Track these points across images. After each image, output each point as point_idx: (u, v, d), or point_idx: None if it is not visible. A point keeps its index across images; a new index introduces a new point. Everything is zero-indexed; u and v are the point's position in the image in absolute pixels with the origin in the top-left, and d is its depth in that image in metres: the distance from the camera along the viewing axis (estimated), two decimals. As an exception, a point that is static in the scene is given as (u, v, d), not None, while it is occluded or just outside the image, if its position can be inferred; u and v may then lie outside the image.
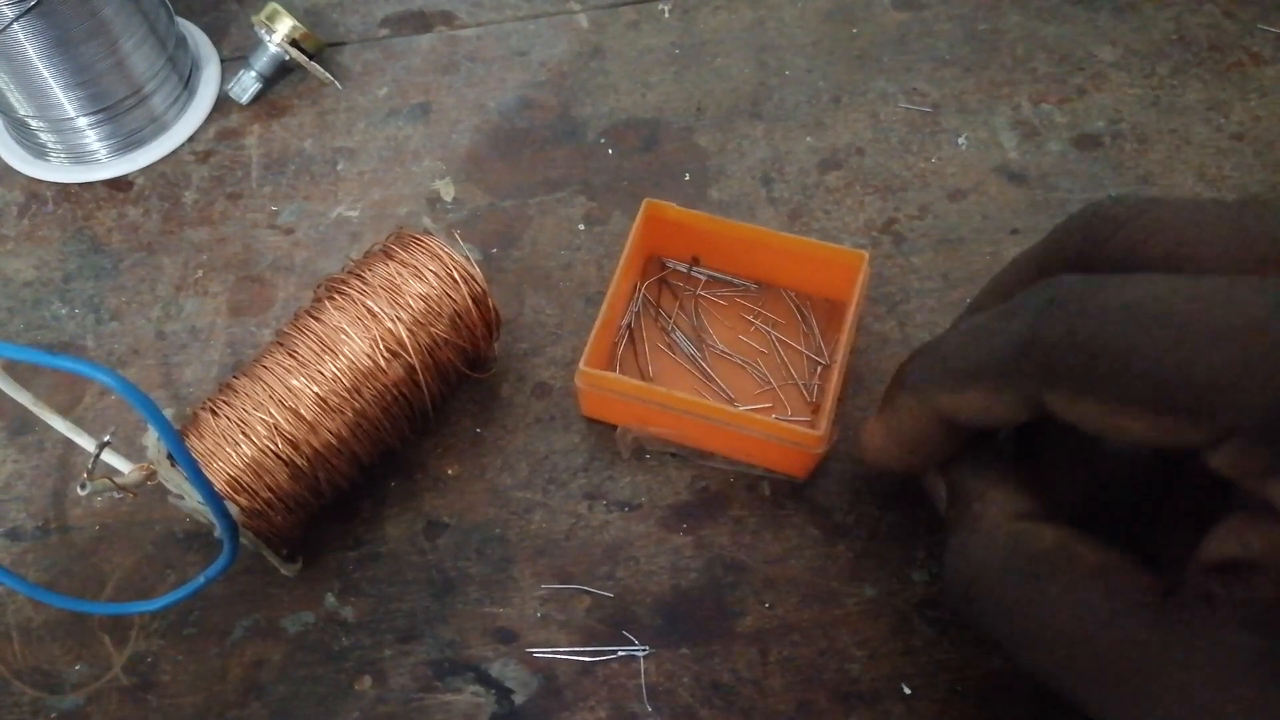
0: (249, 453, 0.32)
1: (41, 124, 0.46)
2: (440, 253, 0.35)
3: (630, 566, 0.36)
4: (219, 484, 0.32)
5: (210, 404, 0.33)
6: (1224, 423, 0.21)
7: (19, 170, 0.47)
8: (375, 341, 0.34)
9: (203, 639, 0.35)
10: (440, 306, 0.35)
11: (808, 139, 0.46)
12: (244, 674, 0.34)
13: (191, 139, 0.48)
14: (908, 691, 0.33)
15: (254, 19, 0.48)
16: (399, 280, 0.34)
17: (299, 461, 0.33)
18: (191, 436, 0.33)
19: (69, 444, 0.39)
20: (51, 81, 0.44)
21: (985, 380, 0.26)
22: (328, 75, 0.49)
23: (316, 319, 0.34)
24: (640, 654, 0.34)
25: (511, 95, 0.48)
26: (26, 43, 0.42)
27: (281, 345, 0.34)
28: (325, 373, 0.33)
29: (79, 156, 0.47)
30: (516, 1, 0.52)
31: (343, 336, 0.34)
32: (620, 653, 0.34)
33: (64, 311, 0.43)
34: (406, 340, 0.34)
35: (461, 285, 0.35)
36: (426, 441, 0.38)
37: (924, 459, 0.30)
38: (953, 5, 0.50)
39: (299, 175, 0.46)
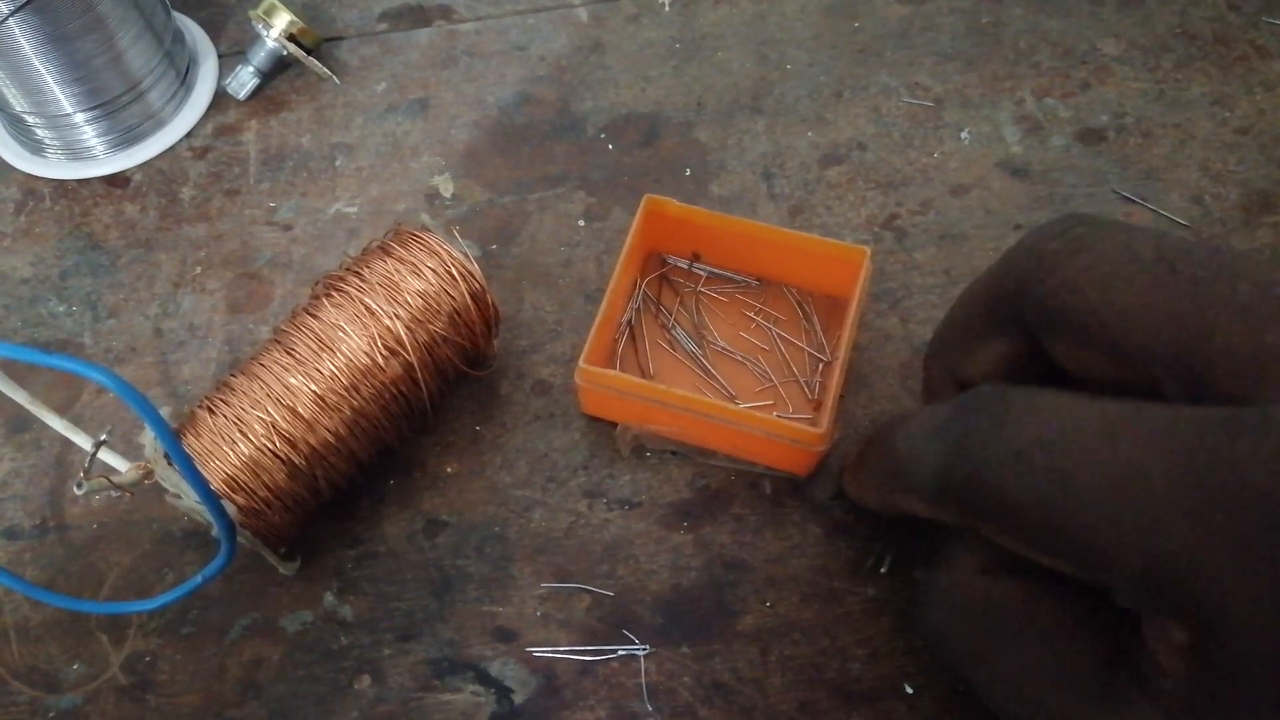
0: (246, 451, 0.32)
1: (38, 120, 0.46)
2: (439, 249, 0.35)
3: (630, 565, 0.35)
4: (216, 483, 0.32)
5: (208, 402, 0.33)
6: (1104, 580, 0.22)
7: (16, 167, 0.47)
8: (373, 339, 0.33)
9: (201, 638, 0.35)
10: (439, 304, 0.34)
11: (809, 134, 0.45)
12: (242, 673, 0.34)
13: (189, 135, 0.47)
14: (910, 690, 0.33)
15: (251, 14, 0.48)
16: (397, 277, 0.34)
17: (296, 460, 0.32)
18: (189, 435, 0.33)
19: (67, 442, 0.39)
20: (48, 77, 0.44)
21: (919, 502, 0.27)
22: (326, 70, 0.48)
23: (314, 316, 0.34)
24: (640, 653, 0.34)
25: (510, 90, 0.48)
26: (22, 38, 0.42)
27: (279, 343, 0.34)
28: (323, 370, 0.33)
29: (76, 153, 0.47)
30: (516, -4, 0.51)
31: (341, 334, 0.33)
32: (620, 652, 0.34)
33: (61, 309, 0.43)
34: (405, 338, 0.34)
35: (460, 282, 0.35)
36: (425, 439, 0.38)
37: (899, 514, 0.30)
38: None
39: (297, 171, 0.46)
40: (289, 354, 0.33)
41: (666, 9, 0.50)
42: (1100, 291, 0.25)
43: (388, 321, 0.33)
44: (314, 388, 0.33)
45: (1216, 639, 0.20)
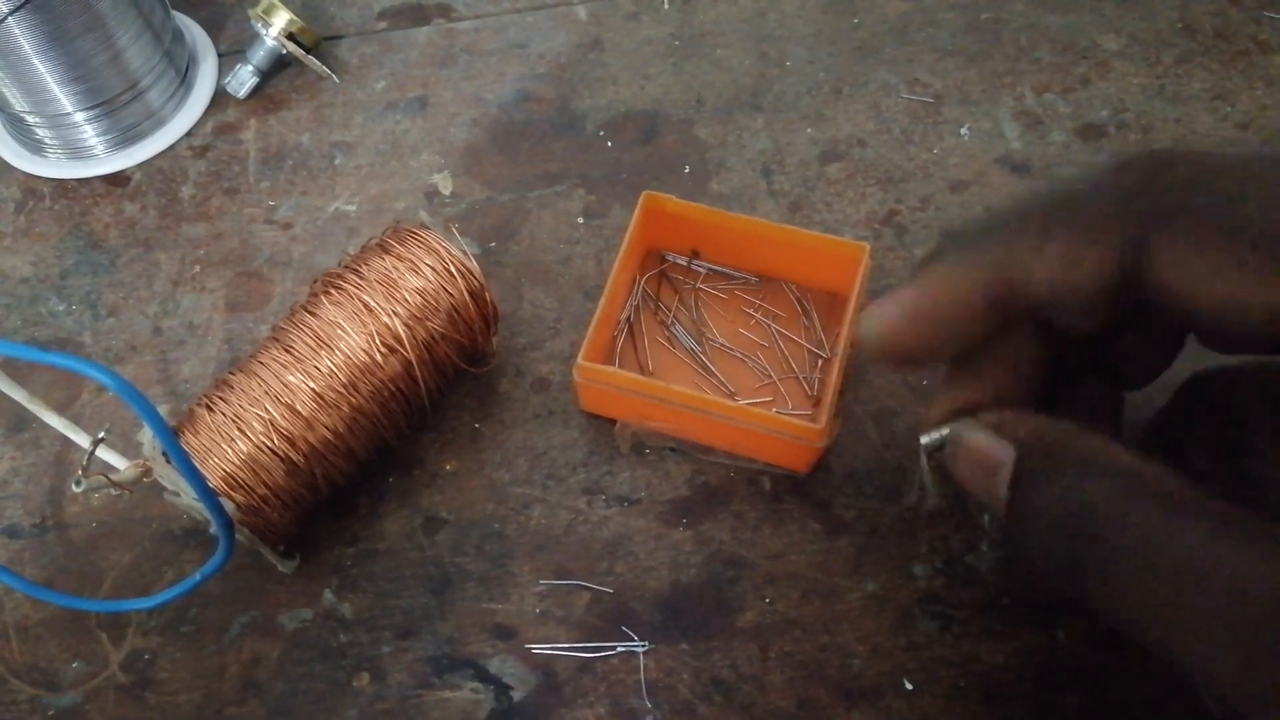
0: (245, 449, 0.32)
1: (38, 119, 0.46)
2: (437, 247, 0.35)
3: (630, 562, 0.35)
4: (214, 480, 0.32)
5: (206, 400, 0.33)
6: None
7: (16, 166, 0.47)
8: (372, 337, 0.33)
9: (200, 636, 0.35)
10: (437, 301, 0.34)
11: (809, 130, 0.45)
12: (242, 671, 0.34)
13: (189, 134, 0.47)
14: (909, 687, 0.33)
15: (251, 13, 0.48)
16: (396, 275, 0.34)
17: (295, 458, 0.32)
18: (187, 433, 0.33)
19: (66, 441, 0.39)
20: (48, 76, 0.44)
21: (1077, 226, 0.22)
22: (325, 69, 0.48)
23: (313, 314, 0.34)
24: (640, 650, 0.34)
25: (510, 88, 0.48)
26: (22, 37, 0.42)
27: (278, 341, 0.34)
28: (321, 368, 0.33)
29: (76, 152, 0.47)
30: (515, -6, 0.51)
31: (339, 332, 0.33)
32: (620, 649, 0.34)
33: (61, 308, 0.43)
34: (403, 335, 0.34)
35: (459, 279, 0.35)
36: (424, 437, 0.38)
37: (948, 344, 0.25)
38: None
39: (296, 170, 0.46)
40: (288, 351, 0.33)
41: (666, 6, 0.50)
42: (1243, 180, 0.21)
43: (386, 319, 0.33)
44: (312, 385, 0.33)
45: None
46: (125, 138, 0.47)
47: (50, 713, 0.34)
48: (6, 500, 0.38)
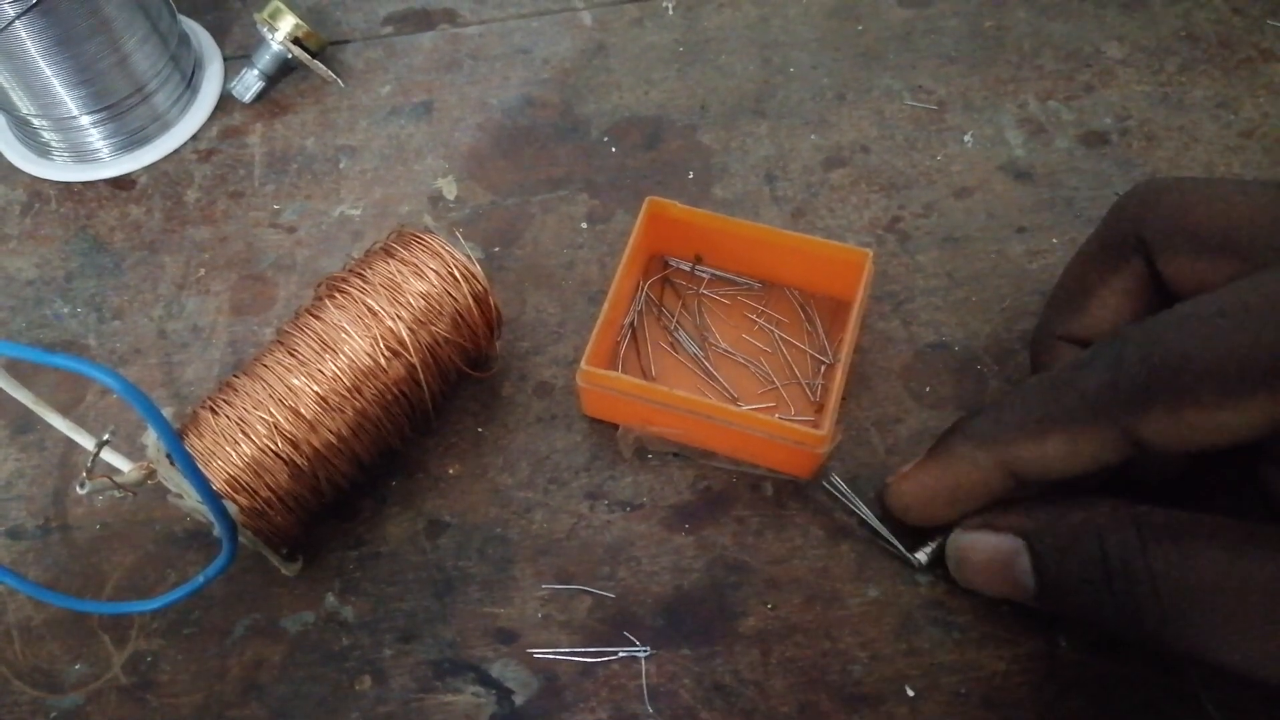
0: (249, 452, 0.32)
1: (44, 122, 0.46)
2: (441, 251, 0.35)
3: (632, 567, 0.35)
4: (218, 483, 0.32)
5: (210, 403, 0.33)
6: None
7: (22, 169, 0.47)
8: (376, 340, 0.33)
9: (202, 638, 0.35)
10: (441, 305, 0.34)
11: (812, 136, 0.45)
12: (244, 674, 0.34)
13: (194, 137, 0.48)
14: (911, 693, 0.33)
15: (257, 17, 0.48)
16: (400, 279, 0.34)
17: (299, 461, 0.33)
18: (191, 435, 0.33)
19: (70, 443, 0.39)
20: (54, 80, 0.44)
21: (1070, 425, 0.26)
22: (330, 74, 0.48)
23: (317, 318, 0.34)
24: (641, 655, 0.34)
25: (514, 93, 0.48)
26: (29, 41, 0.42)
27: (282, 344, 0.34)
28: (325, 371, 0.33)
29: (81, 155, 0.47)
30: (519, -1, 0.51)
31: (343, 335, 0.33)
32: (621, 653, 0.34)
33: (66, 310, 0.43)
34: (407, 339, 0.34)
35: (462, 284, 0.35)
36: (428, 441, 0.38)
37: (968, 512, 0.31)
38: (958, 1, 0.50)
39: (301, 174, 0.46)
40: (292, 355, 0.33)
41: (670, 12, 0.50)
42: (1214, 203, 0.27)
43: (390, 323, 0.34)
44: (316, 389, 0.33)
45: None
46: (131, 141, 0.47)
47: (52, 714, 0.34)
48: (10, 502, 0.38)
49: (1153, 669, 0.32)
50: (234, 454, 0.32)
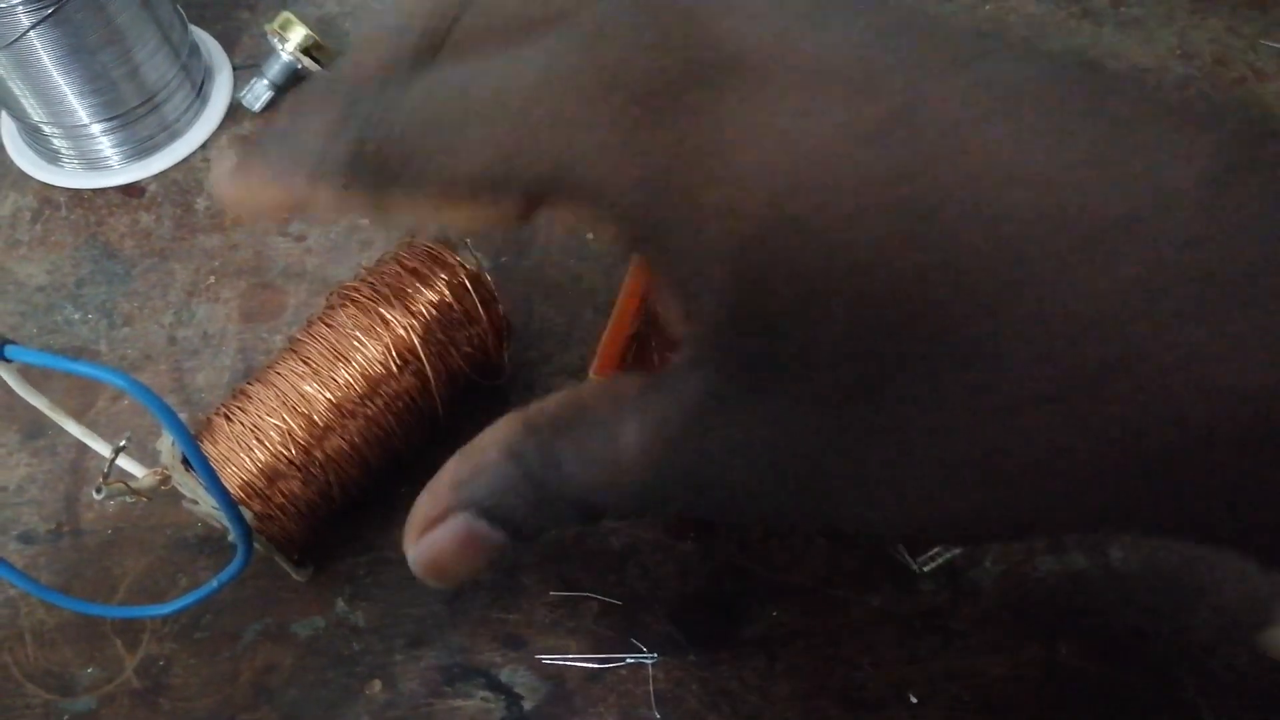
0: (262, 458, 0.33)
1: (55, 130, 0.46)
2: (451, 260, 0.35)
3: (638, 573, 0.36)
4: (232, 489, 0.32)
5: (225, 410, 0.34)
6: (518, 182, 0.21)
7: (33, 176, 0.48)
8: (387, 348, 0.34)
9: (214, 643, 0.35)
10: (451, 314, 0.35)
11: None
12: (255, 678, 0.35)
13: (204, 146, 0.48)
14: (914, 700, 0.33)
15: (267, 28, 0.48)
16: (410, 288, 0.35)
17: (311, 468, 0.33)
18: (206, 442, 0.33)
19: (82, 448, 0.39)
20: (66, 89, 0.45)
21: (329, 184, 0.25)
22: (339, 84, 0.49)
23: (329, 325, 0.35)
24: (648, 661, 0.34)
25: (521, 105, 0.48)
26: (42, 50, 0.43)
27: (295, 352, 0.34)
28: (338, 379, 0.33)
29: (92, 163, 0.47)
30: (526, 12, 0.52)
31: (355, 343, 0.34)
32: (629, 659, 0.34)
33: (77, 316, 0.43)
34: (418, 347, 0.34)
35: (472, 293, 0.35)
36: (437, 449, 0.39)
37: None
38: (959, 19, 0.50)
39: (310, 183, 0.46)
40: (305, 363, 0.34)
41: (675, 26, 0.51)
42: None
43: (401, 331, 0.34)
44: (329, 396, 0.33)
45: (613, 204, 0.21)
46: (141, 149, 0.48)
47: (65, 717, 0.34)
48: (22, 506, 0.38)
49: (1151, 676, 0.33)
50: (248, 460, 0.32)
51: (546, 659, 0.34)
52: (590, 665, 0.34)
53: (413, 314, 0.34)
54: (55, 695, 0.34)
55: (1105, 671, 0.33)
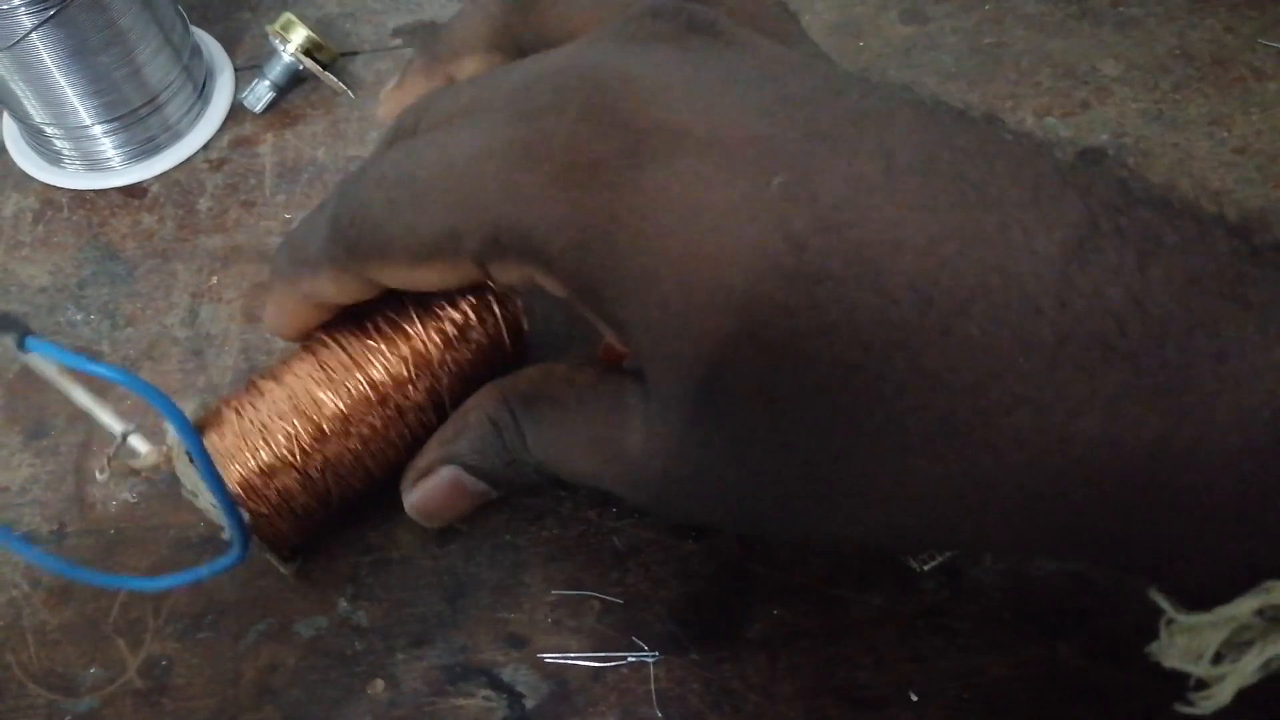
0: (265, 458, 0.33)
1: (57, 131, 0.47)
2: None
3: (640, 573, 0.36)
4: (231, 485, 0.32)
5: (235, 404, 0.34)
6: (460, 252, 0.25)
7: (34, 176, 0.48)
8: (405, 360, 0.33)
9: (216, 643, 0.35)
10: (472, 334, 0.34)
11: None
12: (257, 677, 0.35)
13: (206, 147, 0.48)
14: (915, 699, 0.33)
15: (268, 29, 0.48)
16: (436, 303, 0.34)
17: (313, 473, 0.33)
18: (212, 433, 0.33)
19: (85, 448, 0.39)
20: (68, 90, 0.45)
21: (324, 267, 0.29)
22: (341, 85, 0.49)
23: (350, 332, 0.34)
24: (650, 660, 0.34)
25: (522, 106, 0.49)
26: (44, 51, 0.43)
27: (313, 354, 0.34)
28: (351, 388, 0.33)
29: (94, 163, 0.47)
30: (527, 13, 0.52)
31: (373, 353, 0.33)
32: (630, 658, 0.34)
33: (79, 317, 0.43)
34: (435, 360, 0.34)
35: (499, 316, 0.34)
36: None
37: (315, 326, 0.33)
38: (958, 19, 0.51)
39: (312, 184, 0.47)
40: (321, 369, 0.33)
41: (675, 27, 0.51)
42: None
43: (420, 344, 0.33)
44: (340, 405, 0.33)
45: (551, 263, 0.24)
46: (143, 150, 0.48)
47: (68, 718, 0.34)
48: (25, 507, 0.38)
49: (1152, 676, 0.33)
50: (251, 459, 0.32)
51: (548, 658, 0.34)
52: (592, 664, 0.34)
53: (433, 327, 0.34)
54: (58, 695, 0.35)
55: (1107, 671, 0.33)
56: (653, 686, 0.34)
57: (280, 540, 0.34)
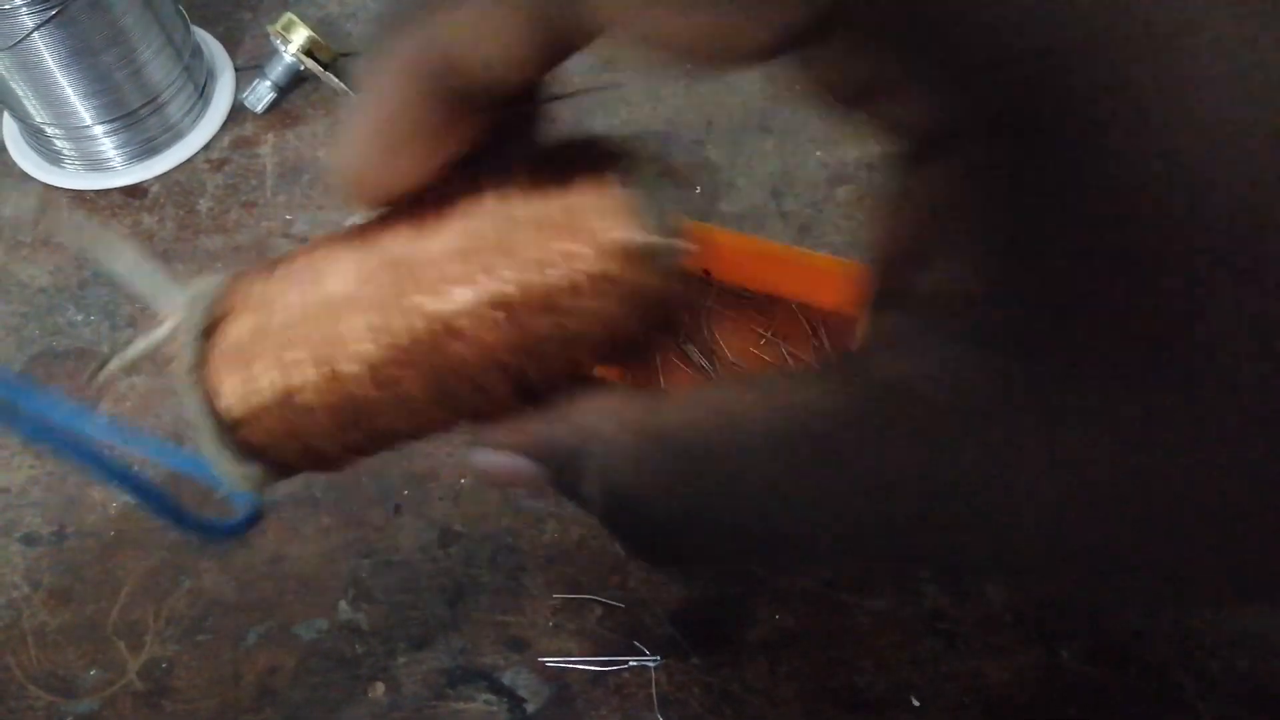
0: (273, 384, 0.21)
1: (58, 131, 0.46)
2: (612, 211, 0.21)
3: (641, 576, 0.36)
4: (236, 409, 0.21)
5: (263, 288, 0.22)
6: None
7: (35, 177, 0.48)
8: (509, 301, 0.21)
9: (217, 645, 0.35)
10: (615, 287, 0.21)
11: (818, 153, 0.46)
12: (258, 680, 0.35)
13: (206, 147, 0.48)
14: (916, 703, 0.33)
15: (269, 29, 0.48)
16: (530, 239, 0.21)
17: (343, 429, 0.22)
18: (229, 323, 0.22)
19: (84, 450, 0.39)
20: (69, 90, 0.45)
21: None
22: (341, 85, 0.49)
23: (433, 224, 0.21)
24: (651, 664, 0.34)
25: (524, 107, 0.49)
26: (46, 52, 0.43)
27: (379, 239, 0.23)
28: (417, 313, 0.21)
29: (94, 164, 0.47)
30: (529, 14, 0.52)
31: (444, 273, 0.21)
32: (631, 662, 0.34)
33: (79, 318, 0.43)
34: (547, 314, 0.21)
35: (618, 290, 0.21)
36: (439, 450, 0.39)
37: (416, 157, 0.21)
38: None
39: (313, 184, 0.47)
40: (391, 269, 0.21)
41: (677, 29, 0.51)
42: None
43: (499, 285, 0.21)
44: (395, 335, 0.21)
45: None
46: (143, 150, 0.48)
47: (67, 719, 0.34)
48: (25, 508, 0.38)
49: (1152, 677, 0.33)
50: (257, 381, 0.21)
51: (549, 661, 0.34)
52: (593, 668, 0.34)
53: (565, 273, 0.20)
54: (58, 697, 0.35)
55: (1106, 674, 0.33)
56: (653, 690, 0.34)
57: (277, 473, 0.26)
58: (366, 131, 0.20)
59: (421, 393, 0.22)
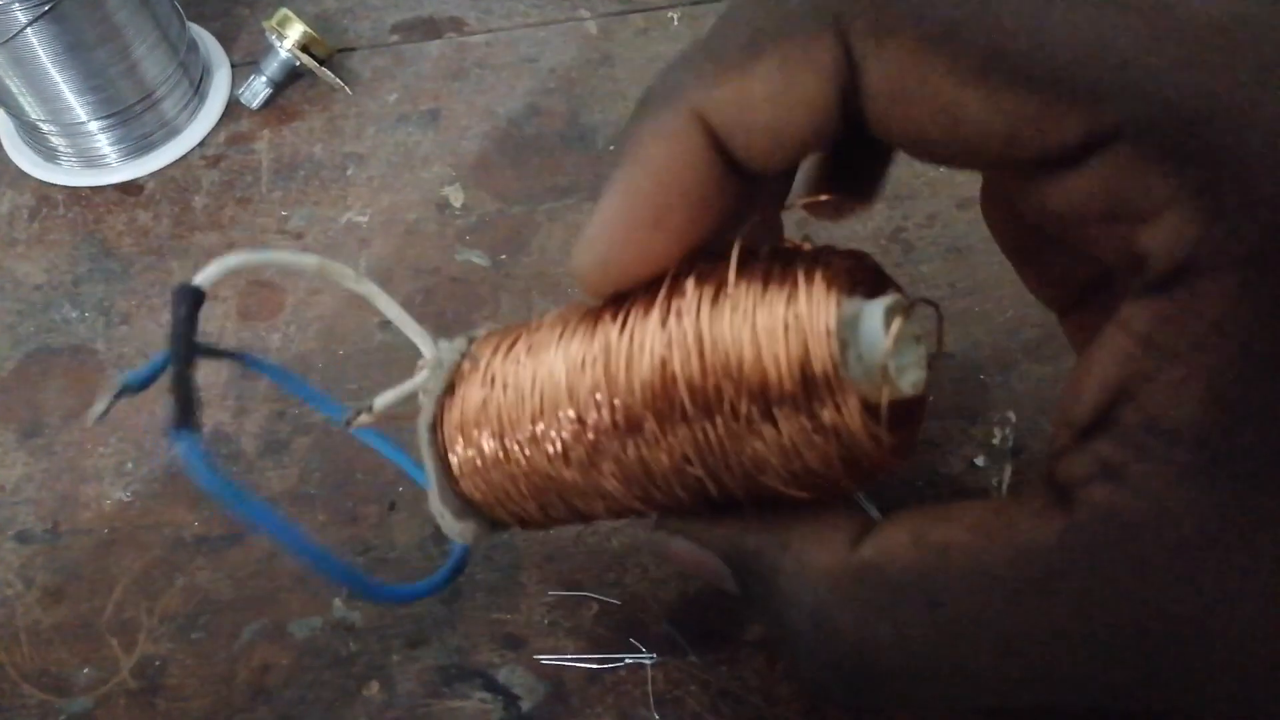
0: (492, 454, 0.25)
1: (53, 128, 0.46)
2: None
3: (638, 574, 0.36)
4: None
5: (494, 368, 0.25)
6: (1109, 113, 0.15)
7: (30, 173, 0.47)
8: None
9: (211, 643, 0.35)
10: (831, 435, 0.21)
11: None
12: (251, 678, 0.34)
13: (202, 144, 0.48)
14: (915, 701, 0.33)
15: (265, 24, 0.48)
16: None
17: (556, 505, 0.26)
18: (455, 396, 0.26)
19: (79, 447, 0.39)
20: (63, 86, 0.44)
21: (782, 36, 0.18)
22: (338, 81, 0.49)
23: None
24: (648, 662, 0.34)
25: (521, 102, 0.48)
26: (39, 47, 0.42)
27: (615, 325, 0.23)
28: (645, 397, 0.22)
29: (90, 160, 0.47)
30: (526, 8, 0.52)
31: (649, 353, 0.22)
32: (628, 660, 0.34)
33: (74, 314, 0.43)
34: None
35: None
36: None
37: (675, 237, 0.20)
38: None
39: (309, 180, 0.46)
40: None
41: (675, 23, 0.51)
42: None
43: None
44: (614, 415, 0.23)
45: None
46: (139, 147, 0.47)
47: (61, 718, 0.34)
48: (18, 506, 0.38)
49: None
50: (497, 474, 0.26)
51: (545, 659, 0.34)
52: (589, 666, 0.34)
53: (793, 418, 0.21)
54: (51, 696, 0.34)
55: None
56: (650, 688, 0.33)
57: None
58: (627, 200, 0.20)
59: (618, 484, 0.24)
